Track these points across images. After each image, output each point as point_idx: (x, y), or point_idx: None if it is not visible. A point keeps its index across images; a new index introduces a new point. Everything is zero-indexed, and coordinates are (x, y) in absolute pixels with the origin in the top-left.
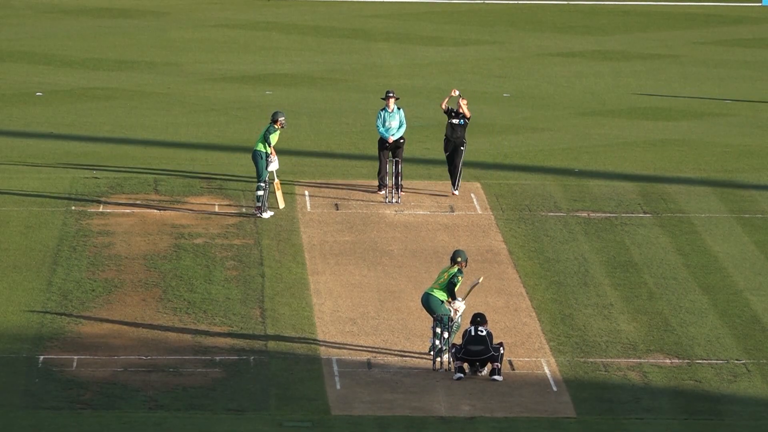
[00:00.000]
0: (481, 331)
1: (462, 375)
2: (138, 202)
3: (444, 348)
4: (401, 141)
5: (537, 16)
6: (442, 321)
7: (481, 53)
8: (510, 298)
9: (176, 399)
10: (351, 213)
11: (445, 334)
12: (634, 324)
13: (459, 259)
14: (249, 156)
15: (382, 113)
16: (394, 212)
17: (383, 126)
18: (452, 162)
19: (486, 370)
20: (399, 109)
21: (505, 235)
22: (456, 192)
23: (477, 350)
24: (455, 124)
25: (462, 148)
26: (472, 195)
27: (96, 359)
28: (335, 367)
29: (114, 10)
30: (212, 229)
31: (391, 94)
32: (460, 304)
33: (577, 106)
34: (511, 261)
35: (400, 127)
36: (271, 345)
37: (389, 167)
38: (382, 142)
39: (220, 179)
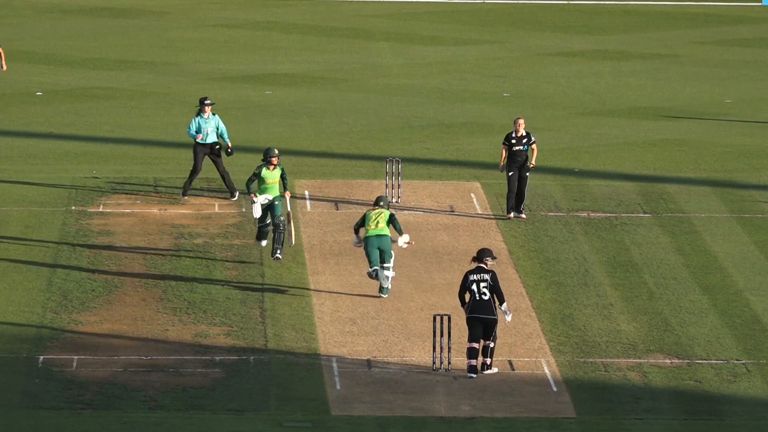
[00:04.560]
0: (485, 295)
1: (474, 375)
2: (138, 202)
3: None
4: (217, 147)
5: (537, 16)
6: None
7: (481, 53)
8: (510, 298)
9: (176, 399)
10: (351, 213)
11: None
12: (634, 324)
13: (382, 204)
14: (248, 155)
15: (197, 119)
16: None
17: (195, 131)
18: (518, 187)
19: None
20: (214, 115)
21: (505, 235)
22: (523, 216)
23: (483, 317)
24: (518, 150)
25: (527, 173)
26: (472, 195)
27: (96, 359)
28: (335, 367)
29: (114, 10)
30: (212, 229)
31: (207, 102)
32: (406, 236)
33: (577, 106)
34: (511, 261)
35: (221, 134)
36: (271, 345)
37: (388, 167)
38: (197, 146)
39: (220, 179)
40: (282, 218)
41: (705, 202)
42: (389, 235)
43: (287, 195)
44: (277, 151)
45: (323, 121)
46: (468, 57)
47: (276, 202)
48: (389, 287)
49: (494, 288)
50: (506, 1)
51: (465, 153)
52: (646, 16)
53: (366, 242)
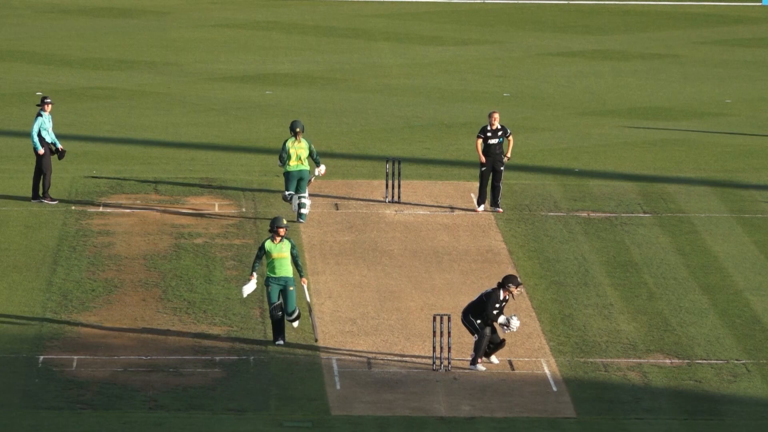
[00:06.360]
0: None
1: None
2: (138, 202)
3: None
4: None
5: (537, 16)
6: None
7: (481, 53)
8: (510, 298)
9: (176, 399)
10: (351, 213)
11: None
12: (634, 324)
13: (299, 130)
14: (248, 155)
15: (40, 119)
16: (394, 212)
17: (48, 132)
18: (494, 181)
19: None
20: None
21: (505, 235)
22: (500, 209)
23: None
24: (493, 144)
25: (502, 168)
26: (472, 195)
27: (96, 359)
28: (335, 367)
29: (114, 10)
30: (212, 229)
31: (49, 100)
32: (323, 168)
33: (577, 106)
34: (511, 261)
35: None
36: (271, 345)
37: (388, 167)
38: (47, 145)
39: (220, 179)
40: (295, 323)
41: (705, 202)
42: (308, 169)
43: (304, 283)
44: (285, 222)
45: (323, 121)
46: (468, 57)
47: (290, 288)
48: (307, 213)
49: (482, 303)
50: (506, 1)
51: (465, 153)
52: (646, 16)
53: (287, 176)
